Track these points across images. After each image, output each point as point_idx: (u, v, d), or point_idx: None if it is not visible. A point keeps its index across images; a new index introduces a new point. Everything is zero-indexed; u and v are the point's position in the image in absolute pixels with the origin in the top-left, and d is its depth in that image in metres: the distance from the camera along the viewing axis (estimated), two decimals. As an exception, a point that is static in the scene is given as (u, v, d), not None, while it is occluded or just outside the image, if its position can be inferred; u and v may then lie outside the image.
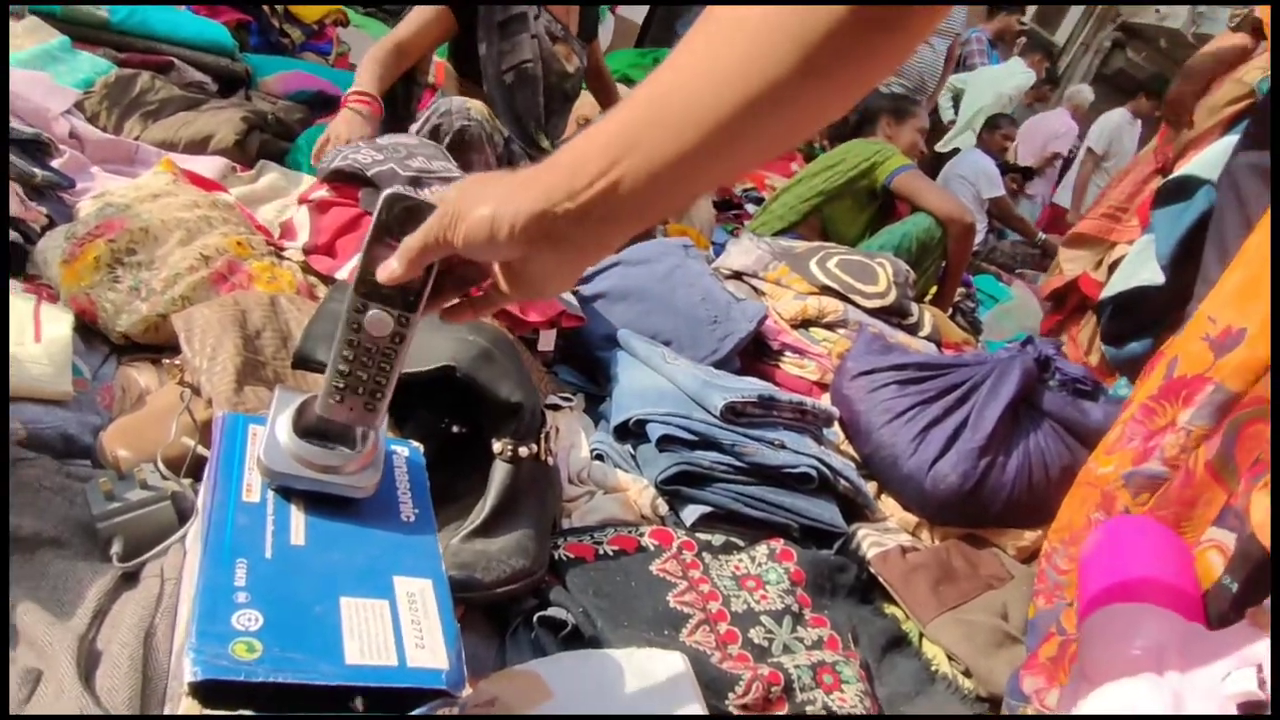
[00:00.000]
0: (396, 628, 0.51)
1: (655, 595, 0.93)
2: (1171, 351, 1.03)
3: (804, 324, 1.59)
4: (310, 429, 0.59)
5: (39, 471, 0.72)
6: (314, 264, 1.15)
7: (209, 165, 1.44)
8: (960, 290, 3.06)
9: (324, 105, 1.93)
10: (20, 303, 0.88)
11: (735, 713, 0.80)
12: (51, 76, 1.43)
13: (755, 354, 1.58)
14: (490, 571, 0.81)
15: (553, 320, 1.19)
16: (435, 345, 0.90)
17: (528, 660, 0.78)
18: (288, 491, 0.58)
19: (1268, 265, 0.96)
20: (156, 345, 0.97)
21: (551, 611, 0.83)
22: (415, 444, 0.72)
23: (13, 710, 0.52)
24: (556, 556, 0.93)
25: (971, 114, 4.76)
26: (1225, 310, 0.98)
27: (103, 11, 1.68)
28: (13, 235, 0.99)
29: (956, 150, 4.86)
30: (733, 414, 1.14)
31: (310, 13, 2.30)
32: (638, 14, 5.41)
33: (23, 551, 0.65)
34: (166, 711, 0.54)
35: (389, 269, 0.51)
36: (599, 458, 1.14)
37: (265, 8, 2.21)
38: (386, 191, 0.53)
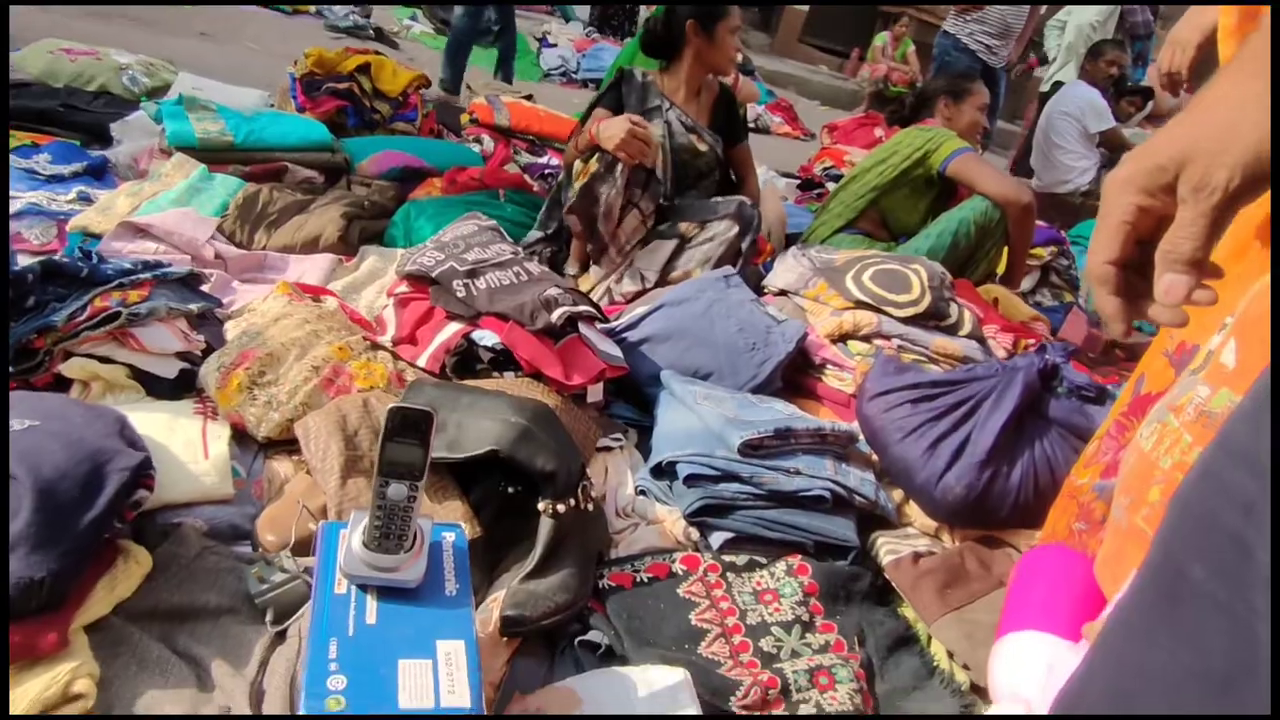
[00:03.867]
0: (435, 679, 0.76)
1: (680, 615, 1.14)
2: (1140, 368, 1.11)
3: (841, 338, 1.71)
4: (366, 541, 0.84)
5: (218, 558, 1.02)
6: (401, 353, 1.43)
7: (319, 265, 1.76)
8: (1052, 248, 2.99)
9: (413, 178, 2.22)
10: (189, 424, 1.21)
11: (738, 713, 1.00)
12: (196, 209, 1.79)
13: (800, 369, 1.73)
14: (537, 609, 1.04)
15: (596, 379, 1.40)
16: (484, 429, 1.14)
17: (571, 675, 1.01)
18: (363, 586, 0.84)
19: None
20: (290, 440, 1.28)
21: (590, 636, 1.07)
22: (462, 527, 0.97)
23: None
24: (601, 585, 1.16)
25: (1065, 48, 4.48)
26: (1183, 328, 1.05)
27: (228, 136, 2.05)
28: (181, 363, 1.32)
29: (1057, 84, 4.60)
30: (750, 449, 1.31)
31: (395, 86, 2.61)
32: None
33: (212, 619, 0.95)
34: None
35: (1180, 290, 0.49)
36: (642, 493, 1.35)
37: (356, 89, 2.53)
38: (390, 406, 0.78)
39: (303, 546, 1.08)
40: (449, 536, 0.94)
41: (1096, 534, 1.08)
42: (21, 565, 0.80)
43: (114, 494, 0.90)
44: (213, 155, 2.01)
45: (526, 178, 2.40)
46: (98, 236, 1.68)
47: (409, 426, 0.80)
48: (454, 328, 1.40)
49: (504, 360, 1.36)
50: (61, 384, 1.26)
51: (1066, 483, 1.16)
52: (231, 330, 1.42)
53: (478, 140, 2.69)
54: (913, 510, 1.41)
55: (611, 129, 1.73)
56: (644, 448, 1.48)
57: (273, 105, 2.68)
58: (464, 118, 2.91)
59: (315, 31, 4.93)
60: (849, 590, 1.23)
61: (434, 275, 1.44)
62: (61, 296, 1.27)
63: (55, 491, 0.86)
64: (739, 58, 2.13)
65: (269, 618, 0.95)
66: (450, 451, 1.12)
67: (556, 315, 1.38)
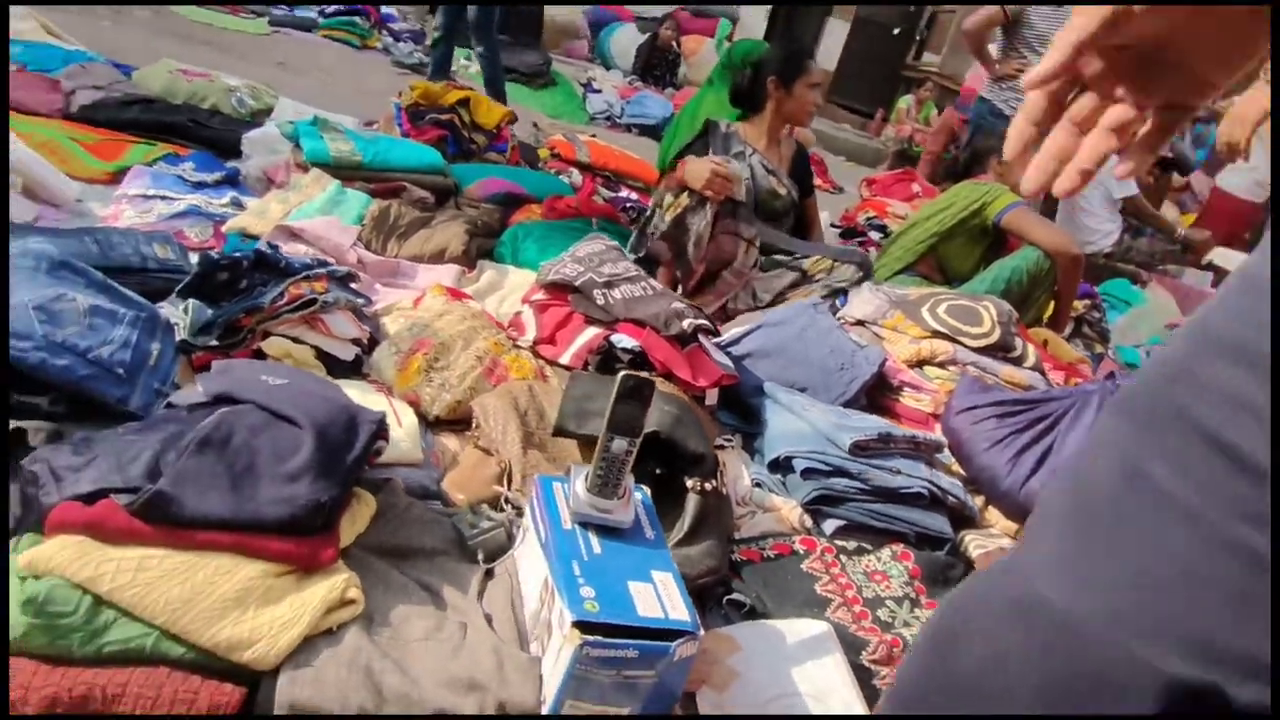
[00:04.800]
0: (659, 598, 0.92)
1: (806, 585, 1.30)
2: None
3: (919, 364, 1.89)
4: (589, 487, 1.01)
5: (422, 510, 1.18)
6: (542, 352, 1.60)
7: (448, 273, 1.95)
8: (1085, 302, 3.19)
9: (514, 202, 2.43)
10: (377, 398, 1.38)
11: (867, 665, 1.15)
12: (339, 218, 1.99)
13: (879, 390, 1.90)
14: (693, 569, 1.20)
15: (716, 383, 1.57)
16: (647, 417, 1.31)
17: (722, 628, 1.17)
18: (585, 524, 1.00)
19: None
20: (452, 420, 1.44)
21: (736, 595, 1.22)
22: (645, 489, 1.13)
23: (451, 646, 0.96)
24: (734, 559, 1.32)
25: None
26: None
27: (358, 156, 2.26)
28: (355, 349, 1.49)
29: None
30: (858, 449, 1.48)
31: (489, 119, 2.84)
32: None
33: (428, 558, 1.11)
34: (533, 646, 0.97)
35: (1037, 70, 0.48)
36: (758, 485, 1.51)
37: (456, 121, 2.76)
38: (623, 373, 0.95)
39: (481, 504, 1.25)
40: (637, 495, 1.10)
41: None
42: (310, 489, 0.96)
43: (367, 440, 1.06)
44: (343, 172, 2.21)
45: (614, 209, 2.60)
46: (254, 237, 1.87)
47: (635, 392, 0.98)
48: (594, 331, 1.58)
49: (640, 361, 1.54)
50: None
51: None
52: (392, 324, 1.60)
53: (561, 173, 2.91)
54: (993, 514, 1.57)
55: (696, 169, 1.95)
56: (749, 449, 1.65)
57: (377, 128, 2.91)
58: (543, 152, 3.14)
59: (382, 66, 5.22)
60: (946, 576, 1.39)
61: (576, 284, 1.63)
62: (265, 282, 1.45)
63: (328, 433, 1.02)
64: (815, 112, 2.36)
65: (480, 557, 1.10)
66: (612, 431, 1.29)
67: (686, 324, 1.56)
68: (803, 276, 2.18)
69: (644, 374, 0.99)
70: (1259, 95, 1.48)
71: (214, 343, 1.38)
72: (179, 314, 1.40)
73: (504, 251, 2.21)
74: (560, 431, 1.29)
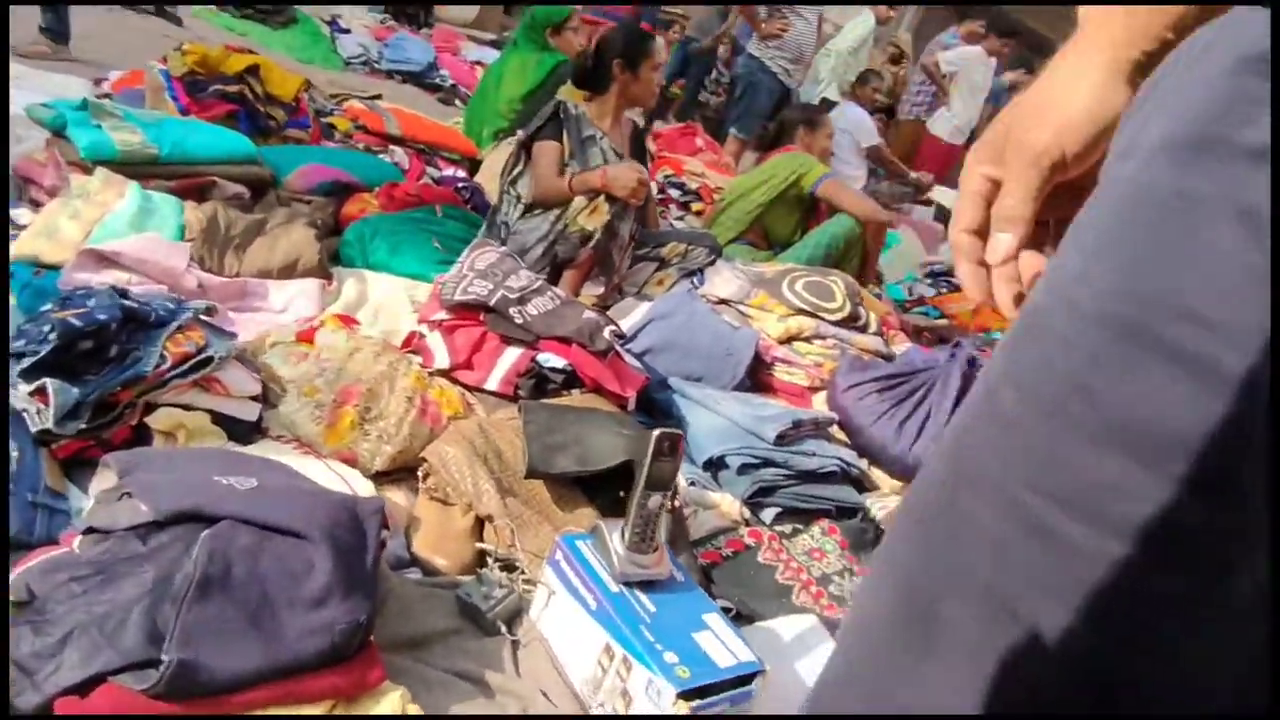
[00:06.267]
0: (722, 643, 0.97)
1: (768, 577, 1.41)
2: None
3: (788, 340, 2.07)
4: (629, 544, 1.02)
5: (415, 589, 1.10)
6: (461, 378, 1.52)
7: (309, 291, 1.74)
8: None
9: (342, 192, 2.19)
10: (312, 465, 1.23)
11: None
12: (159, 233, 1.66)
13: (755, 368, 2.06)
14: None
15: (641, 389, 1.61)
16: (608, 443, 1.32)
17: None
18: (630, 581, 1.01)
19: None
20: (387, 471, 1.33)
21: (723, 603, 1.30)
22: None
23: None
24: (698, 564, 1.40)
25: (830, 71, 5.34)
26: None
27: (151, 148, 1.88)
28: (258, 406, 1.31)
29: (825, 100, 5.42)
30: (779, 438, 1.61)
31: (285, 90, 2.48)
32: None
33: (443, 640, 1.05)
34: (596, 713, 0.98)
35: (1004, 247, 0.46)
36: (691, 483, 1.59)
37: (247, 93, 2.38)
38: (659, 431, 0.96)
39: (467, 566, 1.19)
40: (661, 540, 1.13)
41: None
42: (343, 611, 0.87)
43: (376, 534, 0.97)
44: (136, 169, 1.83)
45: (454, 193, 2.45)
46: (53, 267, 1.52)
47: (671, 449, 0.99)
48: (516, 352, 1.52)
49: (571, 380, 1.52)
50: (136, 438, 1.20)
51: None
52: (282, 368, 1.41)
53: (380, 152, 2.64)
54: (878, 476, 1.80)
55: (622, 178, 1.94)
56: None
57: (108, 97, 2.41)
58: (341, 122, 2.81)
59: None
60: (864, 541, 1.59)
61: (491, 304, 1.54)
62: (135, 342, 1.20)
63: (339, 539, 0.91)
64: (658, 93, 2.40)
65: (502, 628, 1.07)
66: (583, 465, 1.29)
67: (609, 334, 1.56)
68: (661, 264, 2.25)
69: (675, 429, 1.00)
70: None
71: (83, 426, 1.13)
72: (25, 398, 1.12)
73: (352, 254, 2.01)
74: (534, 474, 1.26)
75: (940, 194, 5.41)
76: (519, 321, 1.55)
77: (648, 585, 1.02)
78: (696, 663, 0.92)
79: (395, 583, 1.09)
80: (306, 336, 1.47)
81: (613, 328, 1.63)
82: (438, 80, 4.77)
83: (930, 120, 5.95)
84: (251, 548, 0.87)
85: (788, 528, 1.54)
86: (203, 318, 1.37)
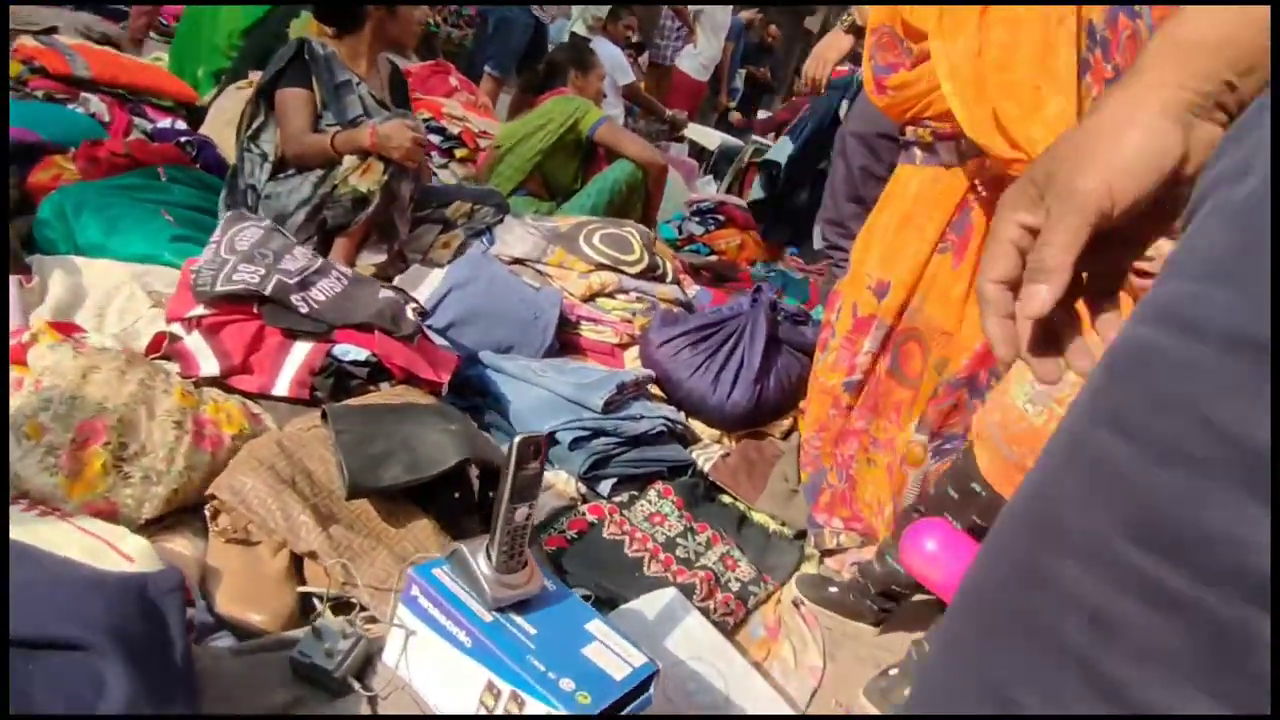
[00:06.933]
0: (612, 651, 0.91)
1: (617, 554, 1.38)
2: (851, 296, 1.67)
3: (591, 297, 2.00)
4: (497, 566, 0.91)
5: (234, 660, 0.91)
6: (238, 385, 1.26)
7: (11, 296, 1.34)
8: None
9: (27, 156, 1.72)
10: (52, 530, 0.95)
11: (702, 607, 1.31)
12: None
13: (560, 327, 1.97)
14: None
15: (454, 371, 1.46)
16: (436, 443, 1.18)
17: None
18: (503, 607, 0.91)
19: (894, 236, 1.59)
20: (163, 515, 1.09)
21: (581, 590, 1.24)
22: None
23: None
24: (545, 551, 1.32)
25: (575, 6, 5.26)
26: (875, 270, 1.62)
27: None
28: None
29: (574, 34, 5.31)
30: (605, 405, 1.56)
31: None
32: None
33: (293, 716, 0.88)
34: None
35: (1040, 299, 0.41)
36: (521, 466, 1.49)
37: None
38: (519, 438, 0.86)
39: (289, 617, 1.01)
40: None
41: (845, 417, 1.65)
42: (157, 730, 0.68)
43: (181, 617, 0.77)
44: None
45: (178, 150, 2.01)
46: None
47: (534, 454, 0.89)
48: (305, 347, 1.29)
49: (376, 372, 1.33)
50: None
51: (818, 383, 1.69)
52: (20, 403, 1.07)
53: (68, 101, 2.08)
54: (697, 426, 1.83)
55: (396, 137, 1.69)
56: (481, 424, 1.59)
57: None
58: (12, 66, 2.19)
59: None
60: (696, 496, 1.61)
61: (267, 292, 1.28)
62: None
63: (131, 638, 0.71)
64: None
65: (355, 685, 0.91)
66: (415, 473, 1.14)
67: (412, 313, 1.39)
68: (445, 225, 2.06)
69: (536, 433, 0.90)
70: (838, 40, 1.84)
71: None
72: None
73: (52, 236, 1.59)
74: (357, 493, 1.08)
75: (694, 131, 5.58)
76: (304, 310, 1.31)
77: (521, 604, 0.93)
78: (593, 683, 0.85)
79: (207, 660, 0.89)
80: (14, 357, 1.13)
81: (414, 304, 1.45)
82: (123, 5, 3.91)
83: (678, 58, 6.07)
84: (16, 679, 0.64)
85: (625, 496, 1.50)
86: None
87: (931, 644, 0.37)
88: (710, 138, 5.51)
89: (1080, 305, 0.45)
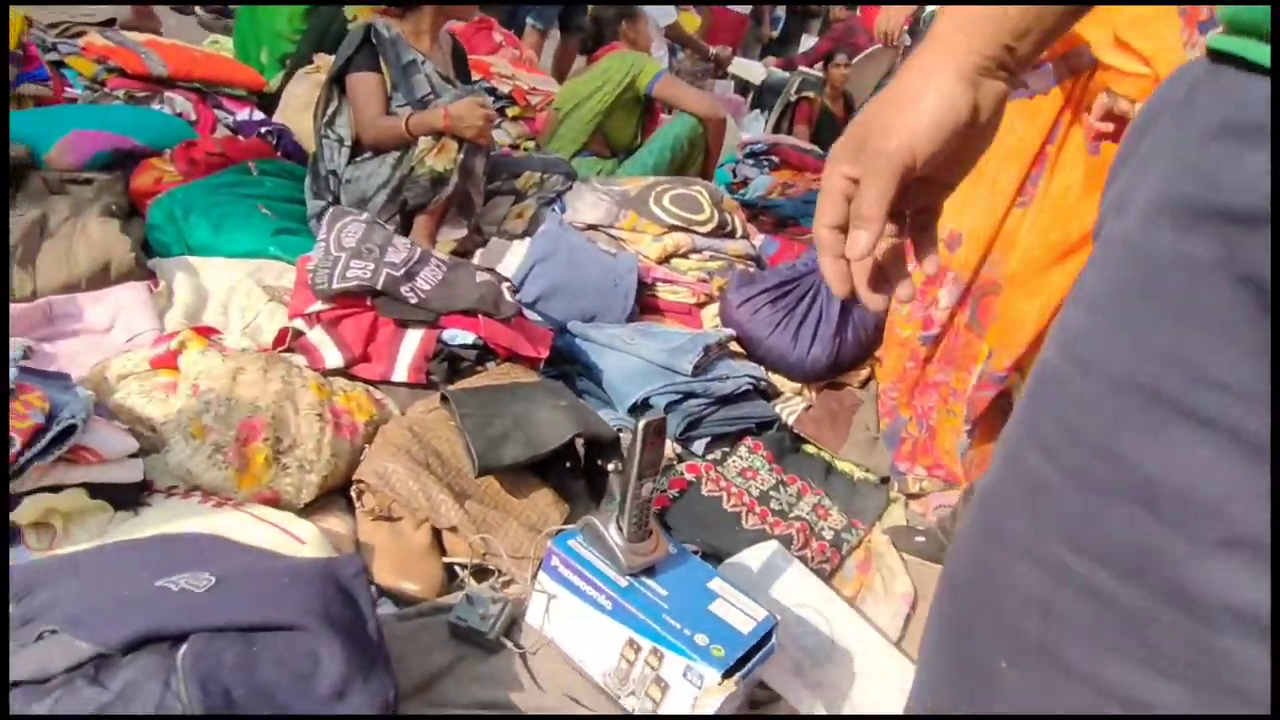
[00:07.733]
0: (735, 607, 1.00)
1: (715, 509, 1.47)
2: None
3: (666, 259, 2.05)
4: (628, 536, 1.01)
5: (399, 626, 1.03)
6: (361, 373, 1.37)
7: (137, 300, 1.46)
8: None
9: (125, 162, 1.83)
10: (236, 522, 1.07)
11: (800, 556, 1.39)
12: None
13: (638, 292, 2.03)
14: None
15: (550, 346, 1.54)
16: (551, 420, 1.27)
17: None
18: (636, 571, 1.00)
19: (964, 185, 1.60)
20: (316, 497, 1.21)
21: (687, 545, 1.33)
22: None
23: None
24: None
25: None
26: (947, 220, 1.63)
27: None
28: (140, 463, 1.11)
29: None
30: (696, 369, 1.63)
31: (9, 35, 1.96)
32: None
33: (451, 673, 1.00)
34: (628, 702, 0.99)
35: (861, 244, 0.47)
36: (621, 431, 1.58)
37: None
38: (645, 421, 0.94)
39: (439, 585, 1.13)
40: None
41: (923, 369, 1.68)
42: (367, 697, 0.79)
43: (368, 596, 0.88)
44: None
45: (265, 144, 2.11)
46: None
47: (658, 434, 0.97)
48: (417, 334, 1.39)
49: (483, 354, 1.42)
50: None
51: (893, 335, 1.73)
52: (152, 406, 1.20)
53: (153, 99, 2.18)
54: (777, 380, 1.89)
55: (469, 116, 1.74)
56: (576, 391, 1.67)
57: None
58: (83, 65, 2.29)
59: None
60: (784, 449, 1.68)
61: (379, 286, 1.37)
62: (-34, 429, 0.96)
63: (337, 619, 0.82)
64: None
65: (507, 643, 1.03)
66: (533, 450, 1.23)
67: (507, 294, 1.47)
68: (517, 196, 2.12)
69: (658, 415, 0.98)
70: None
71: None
72: None
73: (166, 238, 1.70)
74: (486, 471, 1.19)
75: (738, 66, 5.46)
76: (413, 300, 1.40)
77: (650, 569, 1.02)
78: (724, 637, 0.95)
79: (383, 626, 1.01)
80: (166, 363, 1.25)
81: (508, 284, 1.53)
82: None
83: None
84: (243, 660, 0.76)
85: (717, 454, 1.59)
86: (25, 365, 1.12)
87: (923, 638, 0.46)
88: (754, 71, 5.38)
89: (906, 243, 0.52)
